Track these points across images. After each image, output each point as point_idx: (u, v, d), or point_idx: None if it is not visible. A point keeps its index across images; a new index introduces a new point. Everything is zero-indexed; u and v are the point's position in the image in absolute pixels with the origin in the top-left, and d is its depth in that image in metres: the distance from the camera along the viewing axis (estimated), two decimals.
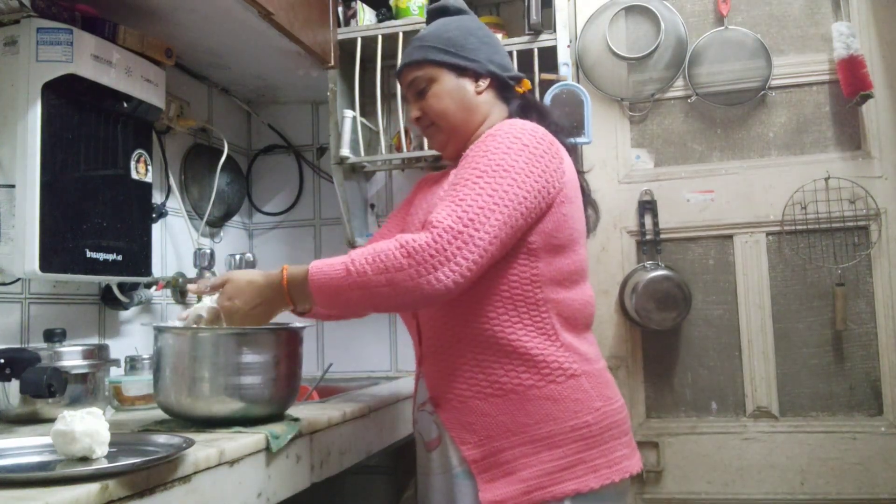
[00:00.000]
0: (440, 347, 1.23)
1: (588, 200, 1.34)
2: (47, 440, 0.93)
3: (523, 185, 1.12)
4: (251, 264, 1.98)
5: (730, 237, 2.22)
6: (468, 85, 1.31)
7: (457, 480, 1.21)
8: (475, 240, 1.07)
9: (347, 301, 1.09)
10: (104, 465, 0.85)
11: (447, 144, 1.34)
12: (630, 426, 1.27)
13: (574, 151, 1.35)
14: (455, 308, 1.19)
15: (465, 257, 1.06)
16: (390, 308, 1.16)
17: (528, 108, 1.33)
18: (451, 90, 1.30)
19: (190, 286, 1.26)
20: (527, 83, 1.38)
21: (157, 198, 1.87)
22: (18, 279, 1.47)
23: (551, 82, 1.97)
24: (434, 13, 1.39)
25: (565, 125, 1.39)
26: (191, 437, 0.96)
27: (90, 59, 1.40)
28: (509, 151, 1.14)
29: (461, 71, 1.30)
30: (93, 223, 1.47)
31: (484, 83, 1.31)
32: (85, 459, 0.88)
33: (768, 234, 2.19)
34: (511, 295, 1.17)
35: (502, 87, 1.34)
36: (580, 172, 1.33)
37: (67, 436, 0.88)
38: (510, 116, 1.31)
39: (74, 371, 1.26)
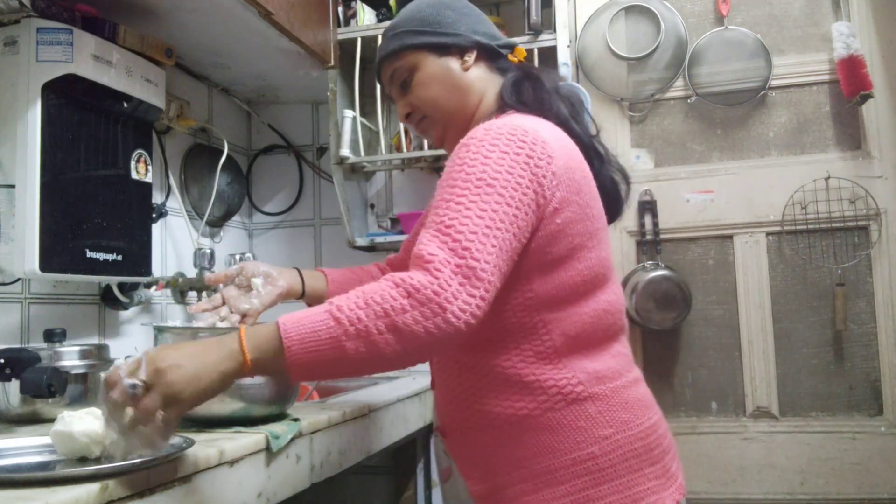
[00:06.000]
0: (443, 374, 1.14)
1: (612, 167, 1.16)
2: (47, 440, 0.93)
3: (512, 202, 0.95)
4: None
5: (730, 237, 2.22)
6: (453, 64, 1.15)
7: None
8: (477, 272, 0.89)
9: (341, 363, 0.87)
10: (104, 465, 0.85)
11: (445, 136, 1.19)
12: (667, 449, 1.09)
13: (579, 116, 1.16)
14: None
15: (472, 294, 0.89)
16: (393, 363, 0.89)
17: (521, 81, 1.16)
18: (437, 74, 1.15)
19: (208, 276, 1.25)
20: (521, 51, 1.21)
21: (157, 198, 1.87)
22: (18, 279, 1.47)
23: None
24: None
25: (565, 91, 1.18)
26: (191, 437, 0.95)
27: (90, 59, 1.40)
28: (489, 161, 0.96)
29: (443, 50, 1.15)
30: (93, 223, 1.47)
31: (470, 57, 1.16)
32: (85, 459, 0.88)
33: (768, 234, 2.19)
34: (503, 323, 1.02)
35: (494, 58, 1.18)
36: (592, 137, 1.15)
37: (67, 436, 0.88)
38: (502, 90, 1.15)
39: (74, 371, 1.26)
